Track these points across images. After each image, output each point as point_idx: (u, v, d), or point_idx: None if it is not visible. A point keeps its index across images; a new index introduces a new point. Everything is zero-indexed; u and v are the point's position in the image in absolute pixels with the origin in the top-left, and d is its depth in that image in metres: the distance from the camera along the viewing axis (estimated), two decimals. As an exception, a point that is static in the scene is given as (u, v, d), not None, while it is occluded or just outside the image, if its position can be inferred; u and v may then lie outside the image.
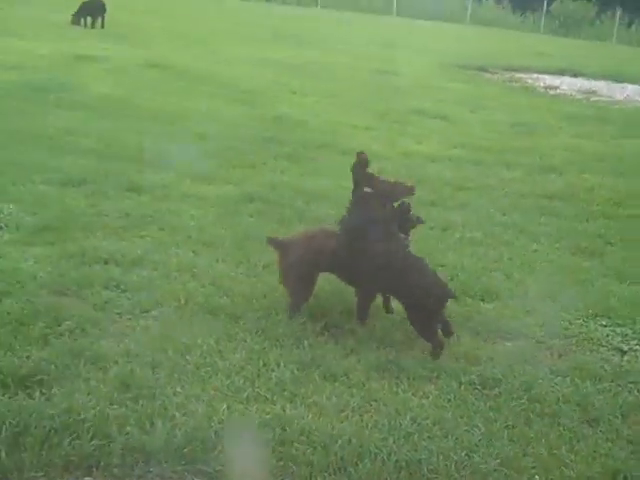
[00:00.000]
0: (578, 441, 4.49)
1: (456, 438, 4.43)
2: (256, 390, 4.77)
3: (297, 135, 11.48)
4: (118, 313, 5.62)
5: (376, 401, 4.77)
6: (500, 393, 4.94)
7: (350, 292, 5.91)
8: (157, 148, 9.95)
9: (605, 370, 5.31)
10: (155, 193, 8.27)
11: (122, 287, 5.97)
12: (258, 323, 5.56)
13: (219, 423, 4.32)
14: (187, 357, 5.06)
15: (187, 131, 11.12)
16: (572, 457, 4.35)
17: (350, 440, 4.36)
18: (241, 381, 4.80)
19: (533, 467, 4.28)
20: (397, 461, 4.21)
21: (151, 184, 8.52)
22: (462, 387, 4.99)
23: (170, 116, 11.89)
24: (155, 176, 8.83)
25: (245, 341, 5.31)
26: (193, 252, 6.76)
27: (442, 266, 6.89)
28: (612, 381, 5.18)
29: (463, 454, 4.29)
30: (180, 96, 13.45)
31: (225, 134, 11.15)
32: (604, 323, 6.04)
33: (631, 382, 5.18)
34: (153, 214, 7.58)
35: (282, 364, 5.07)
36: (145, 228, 7.25)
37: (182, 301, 5.81)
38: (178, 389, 4.66)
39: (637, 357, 5.57)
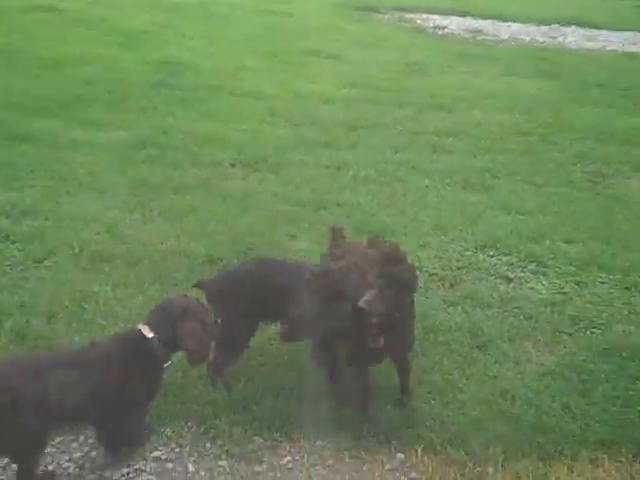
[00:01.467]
0: (469, 365, 4.70)
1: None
2: (156, 334, 4.78)
3: (187, 78, 11.27)
4: (9, 265, 5.51)
5: (273, 341, 4.84)
6: (396, 325, 5.09)
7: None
8: (41, 94, 9.64)
9: (493, 297, 5.54)
10: (41, 141, 8.05)
11: (12, 238, 5.85)
12: (155, 269, 5.55)
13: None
14: (84, 306, 5.02)
15: (73, 76, 10.77)
16: (464, 381, 4.56)
17: (252, 379, 4.43)
18: (140, 327, 4.77)
19: (429, 393, 4.46)
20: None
21: (36, 132, 8.28)
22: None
23: (54, 62, 11.45)
24: (40, 124, 8.58)
25: (143, 287, 5.30)
26: (85, 200, 6.64)
27: (338, 205, 7.01)
28: (500, 307, 5.41)
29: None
30: (65, 41, 12.94)
31: (113, 78, 10.84)
32: (491, 253, 6.27)
33: (516, 307, 5.43)
34: (41, 163, 7.40)
35: (182, 308, 5.09)
36: (33, 177, 7.08)
37: (76, 249, 5.73)
38: (76, 339, 4.62)
39: (522, 284, 5.82)
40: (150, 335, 3.74)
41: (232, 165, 7.93)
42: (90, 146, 8.06)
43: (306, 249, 6.00)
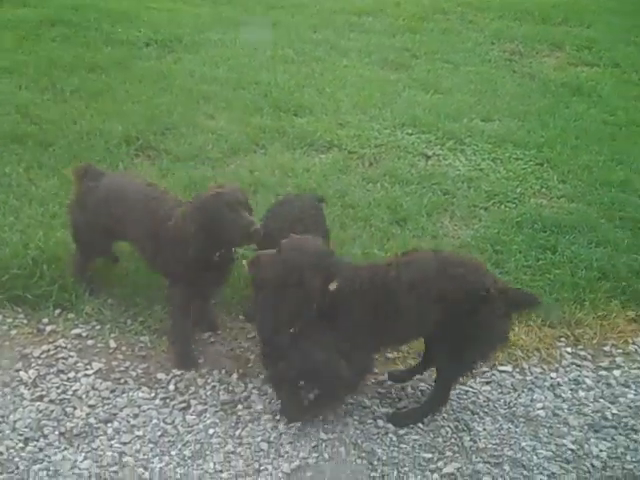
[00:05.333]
0: (388, 240, 4.77)
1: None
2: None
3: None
4: None
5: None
6: (316, 202, 5.11)
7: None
8: None
9: (412, 174, 5.60)
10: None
11: None
12: (70, 149, 5.40)
13: (36, 250, 4.23)
14: (-5, 186, 4.88)
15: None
16: (383, 254, 4.59)
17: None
18: (56, 207, 4.69)
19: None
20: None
21: None
22: (280, 198, 5.10)
23: None
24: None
25: (57, 168, 5.16)
26: (-7, 80, 6.37)
27: (256, 83, 6.88)
28: (418, 184, 5.48)
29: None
30: None
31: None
32: (410, 131, 6.29)
33: (434, 183, 5.50)
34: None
35: (98, 188, 5.00)
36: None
37: (-15, 130, 5.52)
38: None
39: (440, 161, 5.89)
40: None
41: (147, 44, 7.67)
42: (-6, 24, 7.66)
43: (224, 127, 5.93)
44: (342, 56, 7.87)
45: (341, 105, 6.64)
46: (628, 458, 3.41)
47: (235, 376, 3.76)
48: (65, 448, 3.30)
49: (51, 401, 3.54)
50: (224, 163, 5.55)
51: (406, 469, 3.32)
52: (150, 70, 7.02)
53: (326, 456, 3.35)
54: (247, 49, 7.80)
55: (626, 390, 3.86)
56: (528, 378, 3.90)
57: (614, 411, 3.71)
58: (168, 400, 3.59)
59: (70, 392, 3.59)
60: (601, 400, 3.78)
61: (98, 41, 7.54)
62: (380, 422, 3.56)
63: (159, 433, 3.40)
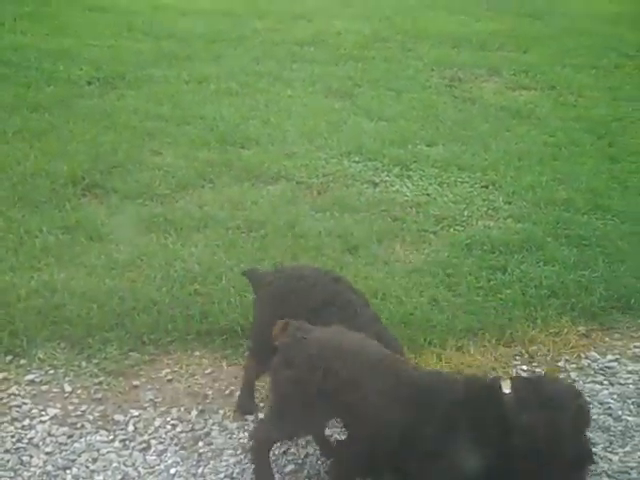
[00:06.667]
0: (341, 268, 4.76)
1: (229, 279, 4.59)
2: (20, 259, 4.64)
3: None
4: None
5: (146, 255, 4.80)
6: (266, 234, 5.13)
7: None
8: None
9: (361, 202, 5.65)
10: None
11: None
12: (14, 191, 5.33)
13: (-16, 295, 4.16)
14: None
15: None
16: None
17: (123, 296, 4.39)
18: (3, 251, 4.63)
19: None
20: (173, 309, 4.31)
21: None
22: (230, 232, 5.13)
23: None
24: None
25: (2, 210, 5.09)
26: None
27: (201, 118, 6.90)
28: (367, 211, 5.52)
29: (237, 295, 4.44)
30: None
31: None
32: (357, 159, 6.36)
33: (383, 210, 5.56)
34: None
35: (45, 230, 4.95)
36: None
37: None
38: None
39: (387, 187, 5.95)
40: None
41: (89, 82, 7.65)
42: None
43: (170, 163, 5.92)
44: (286, 86, 7.94)
45: (287, 135, 6.69)
46: (588, 472, 3.45)
47: (194, 413, 3.72)
48: (23, 498, 3.23)
49: (6, 451, 3.44)
50: (172, 199, 5.53)
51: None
52: (93, 108, 6.99)
53: (289, 489, 3.33)
54: (190, 84, 7.82)
55: (581, 405, 3.91)
56: (486, 399, 3.93)
57: (571, 426, 3.75)
58: (127, 442, 3.53)
59: (26, 440, 3.51)
60: (558, 417, 3.82)
61: (39, 80, 7.50)
62: None
63: (120, 476, 3.34)
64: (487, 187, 6.03)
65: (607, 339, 4.41)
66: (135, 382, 3.91)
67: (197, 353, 4.11)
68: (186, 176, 5.80)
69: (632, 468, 3.48)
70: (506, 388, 2.86)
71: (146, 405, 3.76)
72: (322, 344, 3.01)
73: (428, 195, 5.86)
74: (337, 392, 2.92)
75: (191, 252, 4.86)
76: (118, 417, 3.67)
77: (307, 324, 3.12)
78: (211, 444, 3.54)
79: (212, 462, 3.44)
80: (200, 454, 3.49)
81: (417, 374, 2.99)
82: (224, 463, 3.44)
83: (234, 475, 3.37)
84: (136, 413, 3.70)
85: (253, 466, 3.23)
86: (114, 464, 3.40)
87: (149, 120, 6.80)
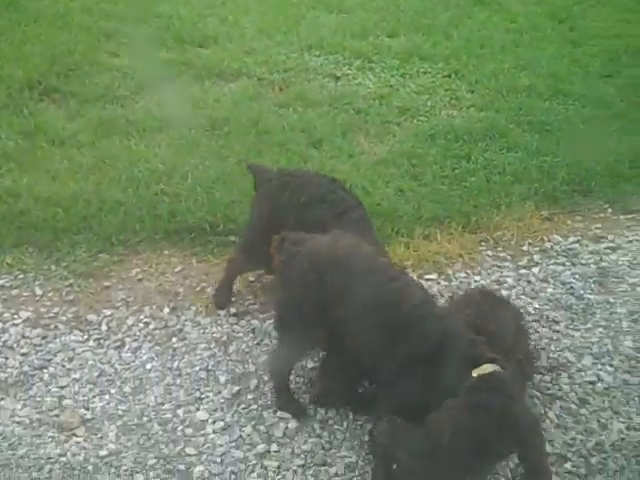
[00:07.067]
0: (306, 162, 4.78)
1: (195, 178, 4.57)
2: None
3: None
4: None
5: (109, 158, 4.76)
6: (230, 131, 5.09)
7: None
8: None
9: (323, 96, 5.60)
10: None
11: None
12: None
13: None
14: None
15: None
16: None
17: (89, 199, 4.37)
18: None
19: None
20: (140, 209, 4.30)
21: None
22: (193, 131, 5.08)
23: None
24: None
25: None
26: None
27: (157, 17, 6.73)
28: (330, 105, 5.48)
29: (204, 193, 4.44)
30: None
31: None
32: (317, 53, 6.26)
33: (346, 103, 5.51)
34: None
35: (3, 136, 4.88)
36: None
37: None
38: None
39: (349, 80, 5.89)
40: None
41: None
42: None
43: (128, 64, 5.80)
44: (243, -18, 7.70)
45: (246, 32, 6.55)
46: (552, 348, 3.56)
47: (167, 310, 3.77)
48: (2, 398, 3.27)
49: (-19, 354, 3.50)
50: (133, 101, 5.45)
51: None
52: (46, 9, 6.75)
53: (266, 378, 3.40)
54: (145, -19, 7.56)
55: (545, 285, 4.01)
56: (453, 283, 4.01)
57: (536, 306, 3.85)
58: (102, 340, 3.58)
59: (0, 343, 3.56)
60: (523, 297, 3.92)
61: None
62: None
63: (96, 373, 3.40)
64: (449, 76, 5.98)
65: (569, 222, 4.49)
66: (106, 283, 3.94)
67: (166, 252, 4.14)
68: (145, 77, 5.68)
69: (593, 343, 3.61)
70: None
71: (118, 305, 3.81)
72: (315, 257, 3.00)
73: (391, 87, 5.81)
74: (330, 303, 2.94)
75: (155, 152, 4.83)
76: (91, 317, 3.72)
77: (303, 234, 3.11)
78: (185, 339, 3.61)
79: (187, 356, 3.51)
80: (174, 349, 3.55)
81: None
82: (198, 357, 3.51)
83: (209, 367, 3.45)
84: (109, 313, 3.75)
85: (275, 395, 3.28)
86: (90, 362, 3.46)
87: (104, 20, 6.60)
